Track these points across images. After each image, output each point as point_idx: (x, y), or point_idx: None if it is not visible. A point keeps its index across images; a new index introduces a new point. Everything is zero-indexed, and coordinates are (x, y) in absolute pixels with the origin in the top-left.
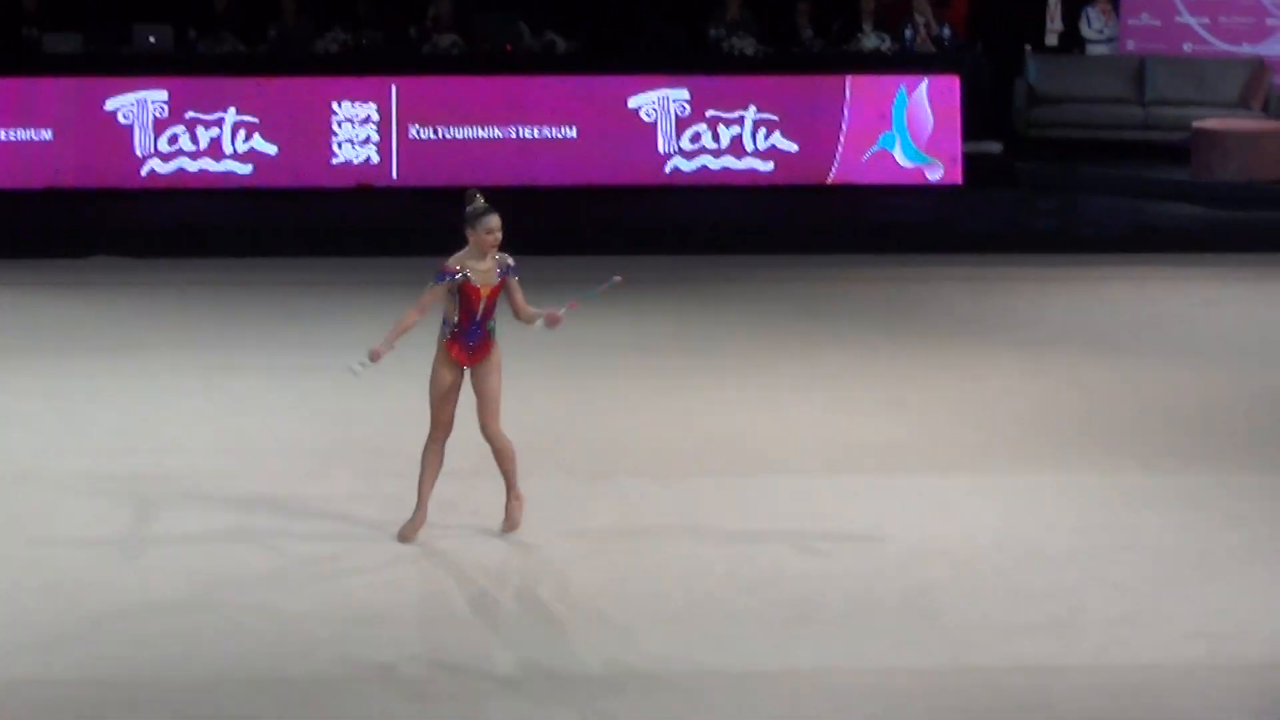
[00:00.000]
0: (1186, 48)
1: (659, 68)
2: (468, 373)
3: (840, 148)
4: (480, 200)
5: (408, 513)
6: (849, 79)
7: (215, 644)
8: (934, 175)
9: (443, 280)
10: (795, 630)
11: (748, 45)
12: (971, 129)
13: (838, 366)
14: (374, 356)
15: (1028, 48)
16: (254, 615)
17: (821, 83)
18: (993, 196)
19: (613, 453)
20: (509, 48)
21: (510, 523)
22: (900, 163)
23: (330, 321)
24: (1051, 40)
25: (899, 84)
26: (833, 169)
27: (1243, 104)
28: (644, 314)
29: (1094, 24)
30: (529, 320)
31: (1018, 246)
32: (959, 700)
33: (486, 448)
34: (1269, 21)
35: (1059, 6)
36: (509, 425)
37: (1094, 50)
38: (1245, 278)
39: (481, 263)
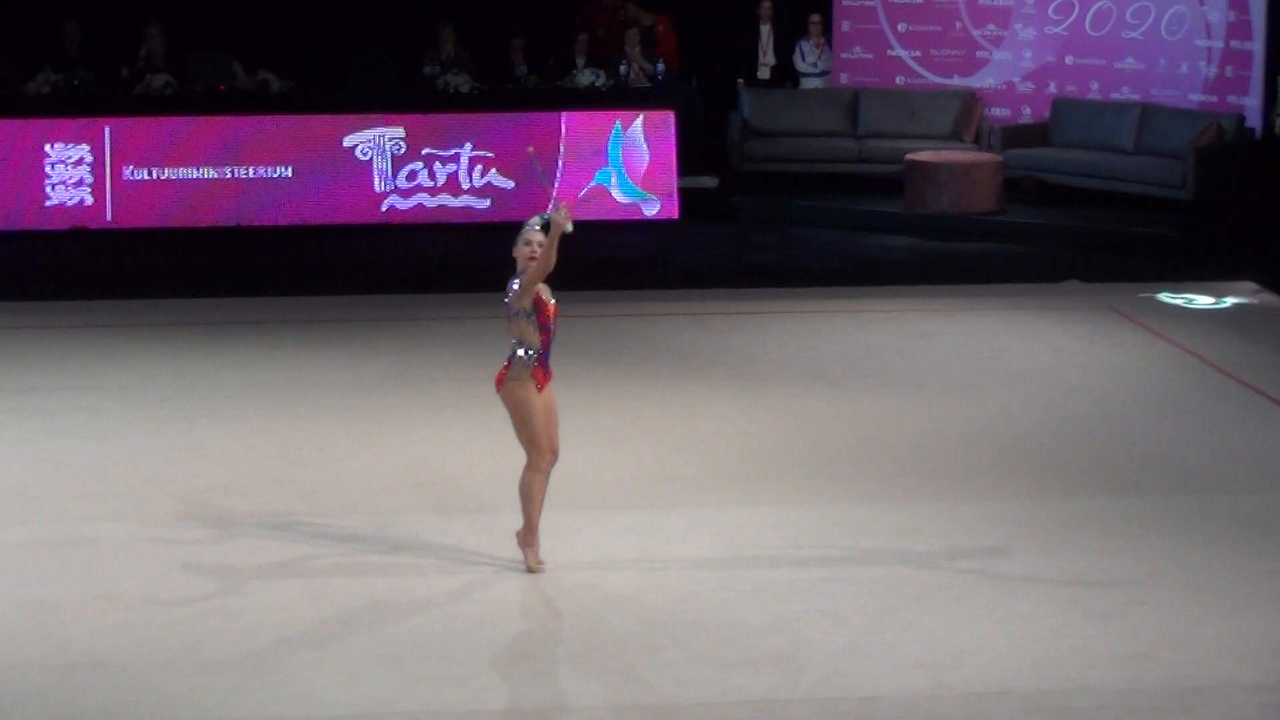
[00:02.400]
0: (899, 80)
1: (374, 106)
2: None
3: (557, 184)
4: (536, 220)
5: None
6: (564, 115)
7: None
8: (650, 210)
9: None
10: (520, 668)
11: (462, 83)
12: (687, 164)
13: (557, 403)
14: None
15: (740, 82)
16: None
17: (537, 119)
18: (709, 231)
19: (332, 493)
20: (223, 87)
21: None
22: (617, 198)
23: (45, 365)
24: (764, 74)
25: (614, 120)
26: (549, 206)
27: (955, 136)
28: (362, 353)
29: (807, 57)
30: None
31: (735, 281)
32: None
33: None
34: (979, 54)
35: (771, 40)
36: (220, 463)
37: (807, 84)
38: (959, 309)
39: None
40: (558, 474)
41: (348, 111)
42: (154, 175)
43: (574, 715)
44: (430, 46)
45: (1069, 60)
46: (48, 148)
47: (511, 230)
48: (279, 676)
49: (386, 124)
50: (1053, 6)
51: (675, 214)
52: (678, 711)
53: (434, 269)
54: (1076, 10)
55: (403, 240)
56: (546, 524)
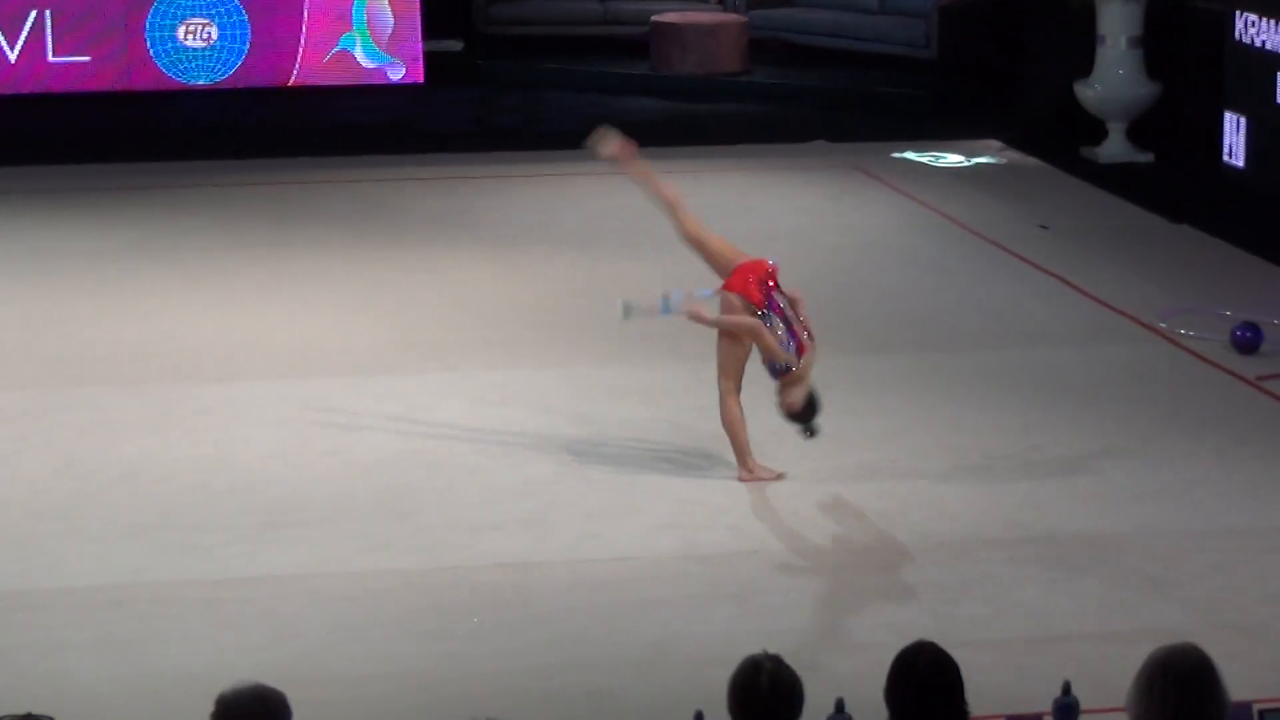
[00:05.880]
0: None
1: None
2: None
3: (301, 49)
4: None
5: None
6: None
7: None
8: (395, 75)
9: None
10: (269, 535)
11: None
12: (432, 27)
13: (304, 269)
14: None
15: None
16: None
17: None
18: (455, 95)
19: (79, 362)
20: None
21: None
22: (362, 63)
23: None
24: None
25: None
26: (294, 71)
27: None
28: (106, 221)
29: None
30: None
31: (481, 145)
32: (434, 599)
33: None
34: None
35: None
36: None
37: None
38: (706, 170)
39: None
40: (302, 341)
41: None
42: None
43: (324, 581)
44: None
45: None
46: None
47: (257, 95)
48: (28, 549)
49: None
50: None
51: (420, 78)
52: (427, 575)
53: (179, 135)
54: None
55: (148, 107)
56: (300, 390)
